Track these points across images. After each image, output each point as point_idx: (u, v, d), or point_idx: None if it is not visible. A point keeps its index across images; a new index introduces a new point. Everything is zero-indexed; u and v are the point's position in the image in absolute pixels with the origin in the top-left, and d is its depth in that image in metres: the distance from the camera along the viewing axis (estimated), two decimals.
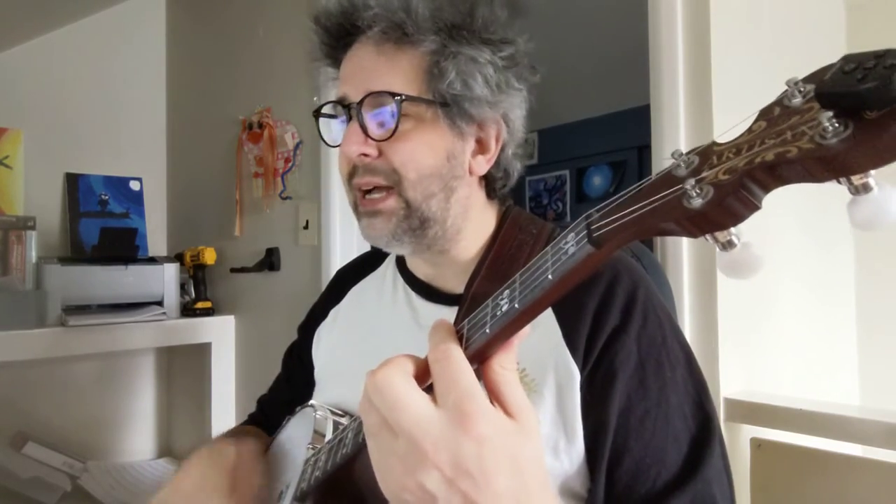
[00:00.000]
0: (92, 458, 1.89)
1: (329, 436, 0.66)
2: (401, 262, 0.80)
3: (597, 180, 3.09)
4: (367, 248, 0.90)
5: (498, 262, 0.69)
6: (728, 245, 0.31)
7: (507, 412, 0.40)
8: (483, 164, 0.70)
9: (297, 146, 1.72)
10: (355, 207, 0.70)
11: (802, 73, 0.32)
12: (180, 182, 2.17)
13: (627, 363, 0.61)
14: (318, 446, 0.63)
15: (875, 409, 1.07)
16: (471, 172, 0.69)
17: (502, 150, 0.71)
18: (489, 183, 0.73)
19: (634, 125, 2.61)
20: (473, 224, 0.72)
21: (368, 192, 0.68)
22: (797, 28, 1.34)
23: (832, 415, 1.00)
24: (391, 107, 0.65)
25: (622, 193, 0.35)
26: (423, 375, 0.42)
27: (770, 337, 1.21)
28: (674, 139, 1.12)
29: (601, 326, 0.62)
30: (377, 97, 0.65)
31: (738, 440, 1.08)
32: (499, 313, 0.40)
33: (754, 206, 0.30)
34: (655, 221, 0.32)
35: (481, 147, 0.70)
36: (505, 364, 0.41)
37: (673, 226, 0.32)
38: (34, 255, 1.73)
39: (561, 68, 2.69)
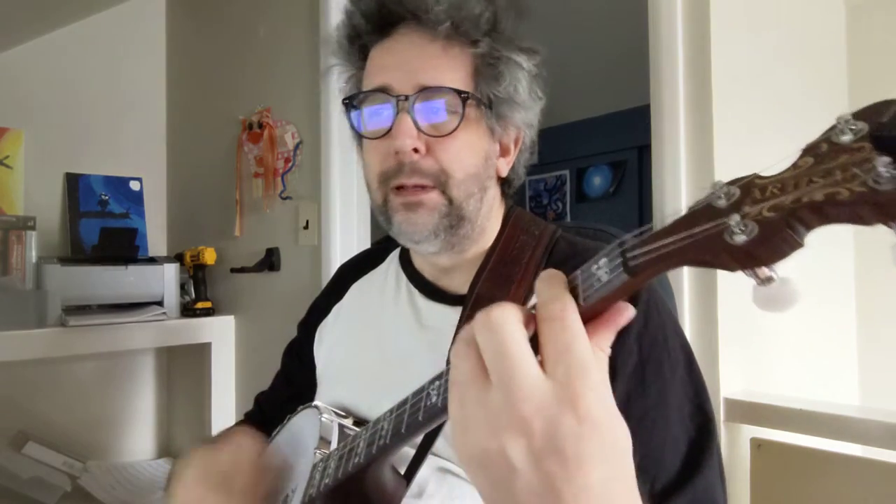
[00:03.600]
0: (92, 458, 1.89)
1: (334, 437, 0.65)
2: (405, 260, 0.80)
3: (597, 180, 3.09)
4: (366, 247, 0.90)
5: (501, 264, 0.69)
6: (767, 281, 0.31)
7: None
8: (505, 167, 0.72)
9: (297, 146, 1.72)
10: (384, 204, 0.68)
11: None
12: (180, 182, 2.17)
13: (627, 363, 0.61)
14: (326, 451, 0.63)
15: (875, 409, 1.07)
16: (497, 174, 0.72)
17: (519, 153, 0.73)
18: (504, 184, 0.75)
19: (634, 125, 2.62)
20: (493, 224, 0.73)
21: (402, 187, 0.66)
22: (797, 28, 1.34)
23: (832, 415, 1.00)
24: (452, 103, 0.64)
25: (661, 224, 0.34)
26: (529, 329, 0.37)
27: (770, 337, 1.21)
28: (674, 139, 1.12)
29: None
30: (434, 91, 0.64)
31: (738, 440, 1.08)
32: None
33: (797, 245, 0.29)
34: (695, 254, 0.32)
35: (503, 150, 0.72)
36: (603, 345, 0.36)
37: (711, 259, 0.31)
38: (34, 255, 1.73)
39: (561, 69, 2.68)
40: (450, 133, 0.64)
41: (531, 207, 3.31)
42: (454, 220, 0.66)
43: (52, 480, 1.76)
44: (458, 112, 0.64)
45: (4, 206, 1.82)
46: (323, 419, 0.68)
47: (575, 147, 3.13)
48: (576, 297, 0.36)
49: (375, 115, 0.67)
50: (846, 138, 0.28)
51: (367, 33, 0.68)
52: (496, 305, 0.36)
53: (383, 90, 0.65)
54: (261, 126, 1.79)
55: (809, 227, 0.29)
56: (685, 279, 1.10)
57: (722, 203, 0.31)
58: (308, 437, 0.68)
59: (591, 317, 0.36)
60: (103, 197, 1.98)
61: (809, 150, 0.30)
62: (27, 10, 1.80)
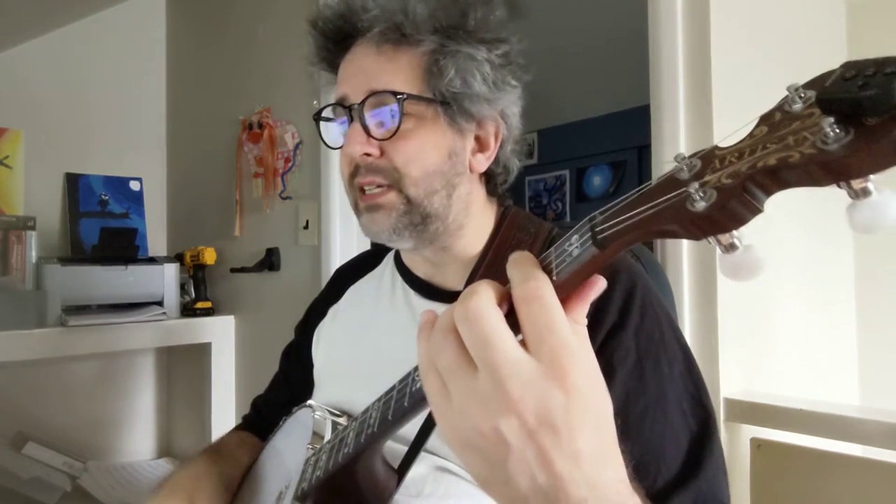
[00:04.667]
0: (92, 458, 1.89)
1: (328, 436, 0.65)
2: (399, 261, 0.80)
3: (597, 180, 3.09)
4: (366, 247, 0.90)
5: (496, 261, 0.69)
6: (730, 248, 0.32)
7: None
8: (483, 162, 0.71)
9: (297, 146, 1.72)
10: (356, 206, 0.71)
11: (802, 73, 0.32)
12: (180, 182, 2.17)
13: (626, 360, 0.61)
14: (318, 446, 0.63)
15: (875, 409, 1.07)
16: (471, 170, 0.71)
17: (501, 146, 0.72)
18: (489, 180, 0.75)
19: (634, 125, 2.62)
20: (475, 221, 0.73)
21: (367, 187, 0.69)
22: (797, 27, 1.34)
23: (832, 415, 1.00)
24: (392, 106, 0.66)
25: (626, 196, 0.36)
26: (502, 307, 0.38)
27: (770, 337, 1.21)
28: (674, 139, 1.12)
29: (599, 323, 0.62)
30: (378, 97, 0.66)
31: (738, 440, 1.08)
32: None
33: (756, 210, 0.31)
34: (659, 224, 0.33)
35: (481, 145, 0.71)
36: (578, 318, 0.38)
37: (676, 228, 0.32)
38: (34, 255, 1.73)
39: (561, 69, 2.69)
40: (394, 133, 0.65)
41: (531, 207, 3.31)
42: (416, 217, 0.68)
43: (52, 480, 1.76)
44: (399, 113, 0.65)
45: (4, 206, 1.82)
46: (316, 416, 0.68)
47: (575, 147, 3.13)
48: (549, 275, 0.37)
49: (335, 126, 0.73)
50: (797, 106, 0.30)
51: (332, 52, 0.73)
52: (472, 292, 0.37)
53: (341, 101, 0.69)
54: (261, 126, 1.79)
55: (768, 192, 0.31)
56: (685, 279, 1.10)
57: (684, 175, 0.33)
58: (301, 434, 0.68)
59: (564, 292, 0.38)
60: (103, 197, 1.98)
61: (764, 120, 0.32)
62: (27, 9, 1.80)
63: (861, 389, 1.46)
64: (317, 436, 0.67)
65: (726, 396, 1.08)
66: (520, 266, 0.38)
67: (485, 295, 0.37)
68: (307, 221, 1.67)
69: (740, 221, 0.31)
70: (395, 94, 0.65)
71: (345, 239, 1.59)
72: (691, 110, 1.12)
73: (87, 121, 2.01)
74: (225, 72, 1.98)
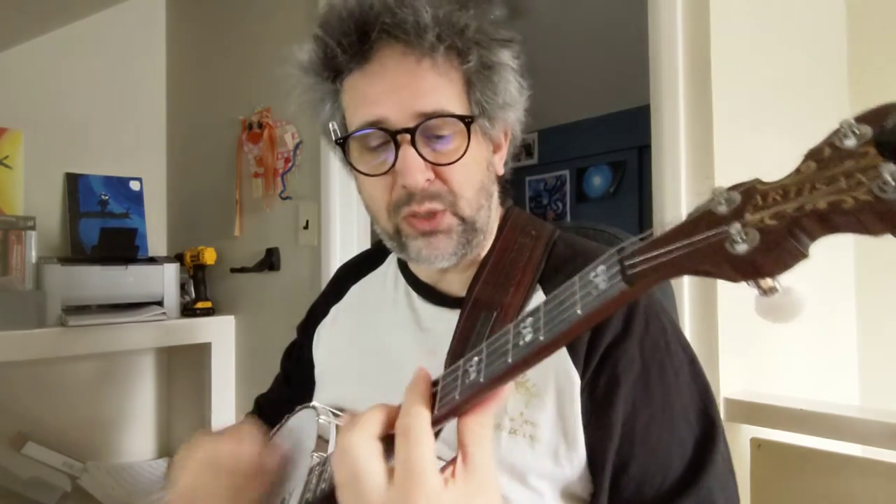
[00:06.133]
0: (92, 458, 1.89)
1: (332, 440, 0.65)
2: (403, 263, 0.79)
3: (597, 180, 3.09)
4: (366, 246, 0.90)
5: (499, 266, 0.68)
6: (770, 291, 0.30)
7: (465, 466, 0.42)
8: (500, 164, 0.70)
9: (297, 146, 1.72)
10: (397, 233, 0.65)
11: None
12: (180, 182, 2.17)
13: (631, 369, 0.60)
14: (324, 454, 0.62)
15: (875, 409, 1.07)
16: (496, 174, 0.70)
17: (509, 145, 0.71)
18: (500, 182, 0.73)
19: (634, 125, 2.62)
20: (494, 225, 0.72)
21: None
22: (797, 27, 1.34)
23: (832, 415, 1.00)
24: (456, 129, 0.61)
25: (659, 230, 0.33)
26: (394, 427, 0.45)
27: (770, 337, 1.21)
28: (674, 139, 1.12)
29: (603, 332, 0.61)
30: (436, 121, 0.60)
31: (738, 440, 1.08)
32: (521, 343, 0.39)
33: (801, 256, 0.28)
34: (694, 263, 0.31)
35: (494, 146, 0.70)
36: (483, 422, 0.43)
37: (713, 269, 0.30)
38: (34, 255, 1.73)
39: (561, 69, 2.69)
40: (460, 159, 0.62)
41: (531, 208, 3.31)
42: (471, 235, 0.66)
43: (52, 480, 1.76)
44: (464, 136, 0.62)
45: (4, 206, 1.82)
46: (321, 420, 0.68)
47: (575, 147, 3.13)
48: (435, 399, 0.43)
49: (370, 152, 0.64)
50: (850, 143, 0.27)
51: (341, 55, 0.62)
52: (353, 424, 0.44)
53: (378, 124, 0.61)
54: (261, 126, 1.79)
55: (813, 237, 0.28)
56: (685, 280, 1.10)
57: (723, 209, 0.30)
58: (306, 438, 0.68)
59: (466, 406, 0.42)
60: (103, 197, 1.98)
61: (813, 155, 0.29)
62: (27, 9, 1.80)
63: (861, 389, 1.46)
64: (321, 439, 0.67)
65: (726, 396, 1.08)
66: (409, 394, 0.44)
67: (365, 429, 0.44)
68: (307, 221, 1.67)
69: (784, 267, 0.29)
70: (463, 118, 0.61)
71: (345, 239, 1.59)
72: (691, 110, 1.12)
73: (87, 121, 2.01)
74: (225, 72, 1.98)
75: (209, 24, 2.07)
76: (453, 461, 0.43)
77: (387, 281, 0.80)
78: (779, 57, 1.26)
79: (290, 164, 1.73)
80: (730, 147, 1.11)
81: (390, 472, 0.42)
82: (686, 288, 1.10)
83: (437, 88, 0.61)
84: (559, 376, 0.61)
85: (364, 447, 0.43)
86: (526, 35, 0.70)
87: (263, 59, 1.82)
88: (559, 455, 0.60)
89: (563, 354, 0.62)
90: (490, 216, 0.68)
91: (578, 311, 0.35)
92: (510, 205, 0.76)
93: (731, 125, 1.12)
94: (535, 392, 0.62)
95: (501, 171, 0.71)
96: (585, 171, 3.14)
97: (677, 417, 0.60)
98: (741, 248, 0.29)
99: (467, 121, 0.61)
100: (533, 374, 0.62)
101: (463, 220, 0.64)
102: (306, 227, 1.67)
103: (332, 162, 1.57)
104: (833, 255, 1.42)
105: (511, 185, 0.76)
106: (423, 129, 0.60)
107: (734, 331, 1.10)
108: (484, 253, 0.71)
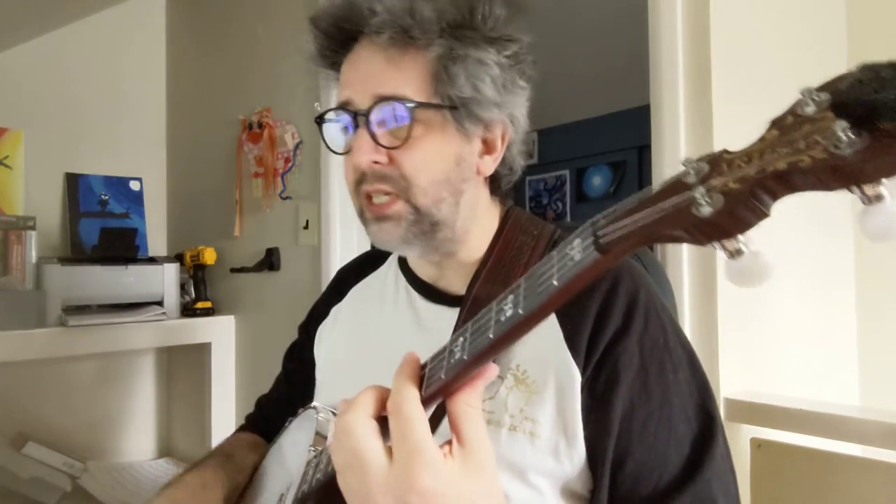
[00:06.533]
0: (92, 458, 1.89)
1: (330, 435, 0.65)
2: (403, 262, 0.79)
3: (597, 180, 3.09)
4: (367, 247, 0.90)
5: (499, 264, 0.69)
6: (736, 253, 0.31)
7: (461, 446, 0.43)
8: (490, 164, 0.70)
9: (297, 146, 1.72)
10: (361, 213, 0.69)
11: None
12: (180, 182, 2.17)
13: (630, 366, 0.61)
14: (320, 448, 0.63)
15: (875, 409, 1.07)
16: (478, 173, 0.69)
17: (508, 148, 0.70)
18: (494, 181, 0.73)
19: (634, 125, 2.62)
20: (479, 224, 0.71)
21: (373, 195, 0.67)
22: (798, 27, 1.34)
23: (832, 415, 1.00)
24: (402, 113, 0.63)
25: (630, 199, 0.35)
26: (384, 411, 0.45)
27: (770, 336, 1.21)
28: (674, 139, 1.12)
29: (603, 329, 0.62)
30: (386, 103, 0.63)
31: (738, 440, 1.08)
32: (503, 318, 0.40)
33: (763, 214, 0.30)
34: (663, 228, 0.32)
35: (488, 147, 0.69)
36: (471, 402, 0.44)
37: (681, 233, 0.32)
38: (34, 255, 1.73)
39: (561, 68, 2.69)
40: (404, 142, 0.63)
41: (531, 207, 3.31)
42: (426, 226, 0.66)
43: (52, 480, 1.76)
44: (424, 124, 0.63)
45: (4, 206, 1.82)
46: (320, 418, 0.68)
47: (575, 147, 3.13)
48: (423, 380, 0.44)
49: (336, 130, 0.70)
50: (810, 109, 0.29)
51: (335, 52, 0.70)
52: (350, 405, 0.45)
53: (345, 106, 0.66)
54: (261, 126, 1.79)
55: (775, 196, 0.30)
56: (685, 279, 1.10)
57: (691, 178, 0.32)
58: (304, 435, 0.68)
59: (452, 386, 0.43)
60: (103, 197, 1.98)
61: (776, 124, 0.31)
62: (28, 9, 1.80)
63: (861, 389, 1.46)
64: (319, 436, 0.67)
65: (726, 396, 1.08)
66: (397, 376, 0.45)
67: (360, 409, 0.44)
68: (307, 221, 1.67)
69: (746, 226, 0.30)
70: (403, 100, 0.63)
71: (345, 239, 1.59)
72: (691, 110, 1.12)
73: (87, 121, 2.01)
74: (225, 72, 1.98)
75: (209, 24, 2.07)
76: (449, 442, 0.43)
77: (387, 281, 0.81)
78: (779, 57, 1.26)
79: (290, 164, 1.73)
80: (729, 147, 1.11)
81: (389, 451, 0.42)
82: (686, 288, 1.10)
83: (396, 75, 0.64)
84: (559, 373, 0.61)
85: (362, 426, 0.44)
86: (527, 31, 0.70)
87: (263, 59, 1.83)
88: (559, 452, 0.60)
89: (563, 351, 0.62)
90: (459, 213, 0.68)
91: (555, 282, 0.37)
92: (511, 205, 0.76)
93: (731, 125, 1.12)
94: (535, 389, 0.62)
95: (489, 172, 0.70)
96: (585, 170, 3.14)
97: (676, 415, 0.61)
98: (706, 210, 0.30)
99: (409, 104, 0.62)
100: (533, 370, 0.63)
101: (416, 209, 0.65)
102: (306, 227, 1.67)
103: (332, 162, 1.57)
104: (833, 255, 1.42)
105: (511, 186, 0.76)
106: (375, 111, 0.63)
107: (734, 330, 1.10)
108: (474, 250, 0.71)
